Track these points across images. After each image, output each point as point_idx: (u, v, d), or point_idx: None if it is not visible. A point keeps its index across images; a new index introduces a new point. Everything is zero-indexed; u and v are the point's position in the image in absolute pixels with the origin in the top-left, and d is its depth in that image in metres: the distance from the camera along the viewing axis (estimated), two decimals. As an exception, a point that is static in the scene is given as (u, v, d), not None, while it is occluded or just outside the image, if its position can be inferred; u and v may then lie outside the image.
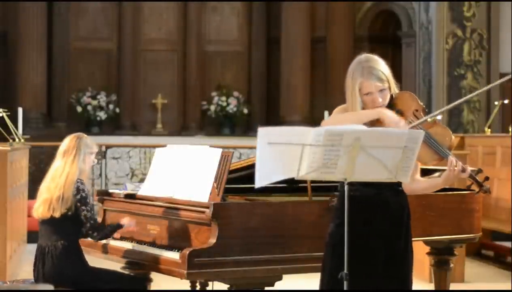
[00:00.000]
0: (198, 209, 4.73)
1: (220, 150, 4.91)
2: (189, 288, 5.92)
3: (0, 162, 7.14)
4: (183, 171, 5.04)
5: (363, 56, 4.20)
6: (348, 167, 3.78)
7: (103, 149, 12.48)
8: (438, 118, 4.21)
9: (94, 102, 15.54)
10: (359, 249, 4.03)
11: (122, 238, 5.20)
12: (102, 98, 15.61)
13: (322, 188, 5.08)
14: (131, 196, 5.31)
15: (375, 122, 4.13)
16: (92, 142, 5.26)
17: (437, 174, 6.07)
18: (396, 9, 15.17)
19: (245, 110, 15.96)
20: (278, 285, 4.79)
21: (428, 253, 5.84)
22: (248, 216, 4.68)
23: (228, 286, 4.70)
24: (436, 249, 5.78)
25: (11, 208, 7.40)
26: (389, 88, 4.19)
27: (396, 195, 4.14)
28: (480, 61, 14.08)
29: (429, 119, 4.16)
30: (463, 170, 4.06)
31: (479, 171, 4.20)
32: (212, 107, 15.91)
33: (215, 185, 4.81)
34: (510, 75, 4.23)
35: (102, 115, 15.56)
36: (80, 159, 5.14)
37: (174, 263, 4.64)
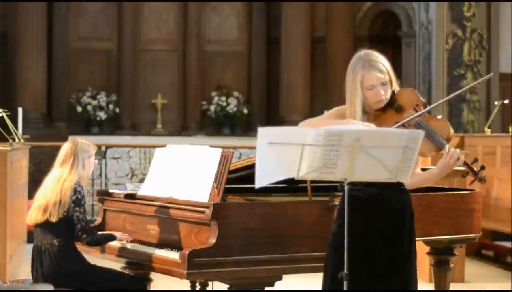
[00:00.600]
0: (198, 209, 4.73)
1: (220, 150, 4.91)
2: (189, 288, 5.92)
3: (0, 162, 7.14)
4: (183, 171, 5.04)
5: (363, 51, 4.21)
6: (348, 167, 3.78)
7: (103, 149, 12.47)
8: (438, 118, 4.22)
9: (94, 102, 15.54)
10: (362, 249, 4.03)
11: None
12: (102, 98, 15.60)
13: (322, 188, 5.08)
14: (131, 196, 5.31)
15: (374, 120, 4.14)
16: (88, 145, 5.24)
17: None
18: (396, 9, 15.16)
19: (245, 110, 15.96)
20: (278, 285, 4.78)
21: (428, 253, 5.84)
22: (248, 216, 4.68)
23: (228, 286, 4.70)
24: (436, 249, 5.78)
25: (11, 208, 7.40)
26: (390, 82, 4.19)
27: (398, 194, 4.13)
28: (480, 61, 14.08)
29: (426, 113, 4.16)
30: (458, 158, 4.06)
31: (475, 161, 4.20)
32: (212, 107, 15.91)
33: (215, 185, 4.81)
34: (491, 74, 4.25)
35: (102, 115, 15.56)
36: (79, 166, 5.13)
37: (174, 263, 4.64)
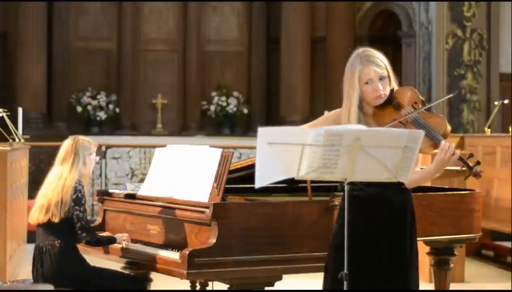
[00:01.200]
0: (198, 209, 4.73)
1: (220, 150, 4.91)
2: (189, 288, 5.92)
3: (0, 162, 7.14)
4: (183, 171, 5.04)
5: (360, 49, 4.23)
6: (348, 167, 3.78)
7: (103, 149, 12.47)
8: (436, 114, 4.23)
9: (94, 102, 15.54)
10: (363, 248, 4.03)
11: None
12: (102, 98, 15.60)
13: (322, 188, 5.08)
14: (131, 196, 5.30)
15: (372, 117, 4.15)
16: (89, 142, 5.23)
17: (437, 174, 6.08)
18: (396, 9, 15.16)
19: (245, 110, 15.96)
20: (278, 285, 4.79)
21: (428, 253, 5.84)
22: (248, 216, 4.68)
23: (228, 286, 4.70)
24: (436, 249, 5.78)
25: (11, 208, 7.40)
26: (389, 78, 4.19)
27: (399, 193, 4.13)
28: (480, 61, 14.08)
29: (423, 110, 4.17)
30: (454, 153, 4.06)
31: (471, 156, 4.20)
32: (212, 107, 15.91)
33: (215, 185, 4.81)
34: (456, 92, 4.28)
35: (102, 115, 15.56)
36: (80, 163, 5.12)
37: (174, 263, 4.64)
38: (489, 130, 10.77)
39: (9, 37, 15.18)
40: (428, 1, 14.17)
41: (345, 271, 3.89)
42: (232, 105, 15.84)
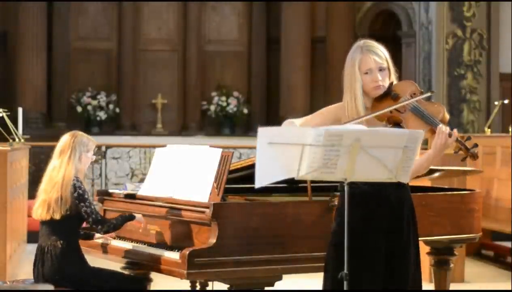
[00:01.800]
0: (198, 209, 4.73)
1: (220, 150, 4.91)
2: (189, 288, 5.92)
3: (0, 162, 7.14)
4: (183, 171, 5.04)
5: (361, 40, 4.24)
6: (348, 167, 3.78)
7: (103, 149, 12.47)
8: (434, 103, 4.24)
9: (94, 102, 15.54)
10: (361, 245, 4.02)
11: (121, 238, 5.20)
12: (102, 98, 15.61)
13: (322, 188, 5.08)
14: (131, 196, 5.30)
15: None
16: (88, 139, 5.23)
17: (437, 174, 6.09)
18: (396, 9, 15.17)
19: (245, 110, 15.96)
20: (278, 285, 4.79)
21: (428, 253, 5.85)
22: (248, 216, 4.68)
23: (228, 286, 4.70)
24: (436, 249, 5.78)
25: (11, 208, 7.40)
26: (389, 70, 4.20)
27: (397, 190, 4.12)
28: (480, 61, 14.09)
29: (421, 99, 4.18)
30: (450, 135, 4.05)
31: (468, 138, 4.20)
32: (212, 107, 15.91)
33: (215, 185, 4.81)
34: (434, 91, 4.29)
35: (102, 115, 15.56)
36: (76, 158, 5.11)
37: (174, 263, 4.64)
38: (489, 130, 10.77)
39: (9, 37, 15.19)
40: (428, 1, 14.17)
41: (345, 271, 3.89)
42: (232, 105, 15.84)
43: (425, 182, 6.38)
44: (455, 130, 4.08)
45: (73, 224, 5.06)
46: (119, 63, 15.96)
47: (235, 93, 15.94)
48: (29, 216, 8.65)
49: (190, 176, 4.97)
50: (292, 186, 5.46)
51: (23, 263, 8.39)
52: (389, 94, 4.20)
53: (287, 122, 4.32)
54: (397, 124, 4.16)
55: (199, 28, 16.17)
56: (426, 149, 7.98)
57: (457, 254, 5.82)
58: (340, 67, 4.32)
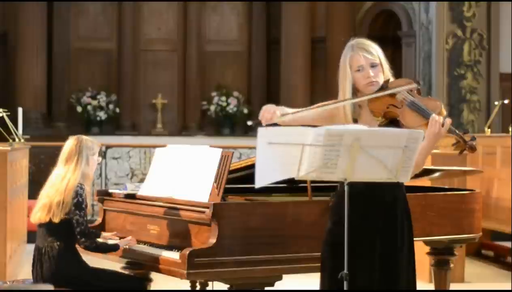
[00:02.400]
0: (198, 209, 4.73)
1: (220, 150, 4.91)
2: (189, 288, 5.92)
3: (0, 162, 7.14)
4: (183, 171, 5.04)
5: (353, 40, 4.26)
6: (348, 167, 3.78)
7: (103, 149, 12.47)
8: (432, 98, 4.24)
9: (94, 102, 15.54)
10: (357, 245, 4.01)
11: (121, 238, 5.19)
12: (102, 98, 15.60)
13: (322, 188, 5.08)
14: (131, 196, 5.31)
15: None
16: (92, 142, 5.23)
17: (437, 174, 6.09)
18: (396, 9, 15.16)
19: (245, 110, 15.96)
20: (278, 285, 4.79)
21: (428, 253, 5.84)
22: (248, 216, 4.68)
23: (228, 286, 4.70)
24: (436, 249, 5.78)
25: (11, 208, 7.39)
26: (382, 66, 4.19)
27: (391, 189, 4.10)
28: (480, 61, 14.08)
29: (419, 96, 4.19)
30: (443, 124, 4.04)
31: (466, 131, 4.21)
32: (212, 107, 15.91)
33: (215, 185, 4.81)
34: (419, 83, 4.28)
35: (102, 115, 15.56)
36: (83, 163, 5.11)
37: (174, 263, 4.64)
38: (489, 130, 10.77)
39: (9, 37, 15.18)
40: (428, 1, 14.17)
41: (345, 271, 3.89)
42: (232, 105, 15.84)
43: (425, 182, 6.38)
44: (447, 119, 4.06)
45: (70, 228, 5.04)
46: (119, 63, 15.95)
47: (235, 93, 15.94)
48: (29, 216, 8.66)
49: (190, 176, 4.97)
50: (292, 186, 5.46)
51: (23, 263, 8.39)
52: (385, 89, 4.20)
53: (280, 109, 4.24)
54: (393, 120, 4.16)
55: (199, 28, 16.16)
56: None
57: (457, 254, 5.82)
58: (340, 67, 4.32)
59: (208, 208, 4.63)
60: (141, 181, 7.37)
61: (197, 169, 4.95)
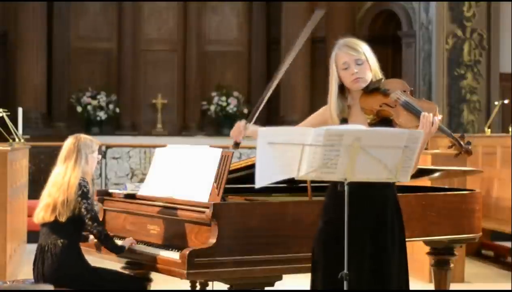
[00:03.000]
0: (198, 209, 4.73)
1: (220, 150, 4.91)
2: (189, 288, 5.92)
3: (0, 162, 7.14)
4: (183, 171, 5.04)
5: (342, 39, 4.28)
6: (348, 167, 3.78)
7: (103, 149, 12.47)
8: (438, 118, 4.23)
9: (94, 102, 15.54)
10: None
11: (121, 238, 5.19)
12: (102, 98, 15.61)
13: (322, 188, 5.07)
14: (131, 196, 5.31)
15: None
16: (92, 140, 5.24)
17: (437, 174, 6.09)
18: (396, 9, 15.16)
19: (245, 110, 15.96)
20: (278, 285, 4.79)
21: (428, 253, 5.84)
22: (248, 216, 4.68)
23: (228, 286, 4.70)
24: (436, 249, 5.78)
25: (11, 208, 7.39)
26: (368, 63, 4.19)
27: (381, 189, 4.10)
28: (480, 61, 14.08)
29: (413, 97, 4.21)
30: (433, 123, 4.03)
31: (462, 136, 4.21)
32: (212, 107, 15.91)
33: (215, 185, 4.81)
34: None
35: (102, 115, 15.56)
36: (82, 161, 5.12)
37: (174, 263, 4.64)
38: (489, 130, 10.77)
39: (9, 37, 15.19)
40: (428, 1, 14.17)
41: (345, 271, 3.89)
42: (232, 105, 15.84)
43: (425, 182, 6.38)
44: (436, 118, 4.06)
45: (76, 226, 5.06)
46: (119, 63, 15.96)
47: (235, 93, 15.94)
48: (29, 216, 8.66)
49: (190, 176, 4.97)
50: (292, 186, 5.46)
51: (23, 263, 8.39)
52: (379, 89, 4.21)
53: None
54: (384, 119, 4.15)
55: (199, 28, 16.17)
56: (426, 148, 7.99)
57: (457, 254, 5.81)
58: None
59: (208, 208, 4.63)
60: (141, 181, 7.38)
61: (197, 169, 4.95)
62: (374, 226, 4.09)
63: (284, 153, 3.76)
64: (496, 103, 11.36)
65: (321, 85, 15.34)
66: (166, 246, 4.88)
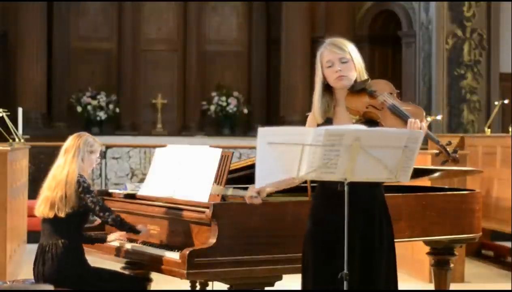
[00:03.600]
0: (198, 209, 4.73)
1: (220, 150, 4.91)
2: (189, 288, 5.92)
3: (0, 162, 7.14)
4: (183, 171, 5.04)
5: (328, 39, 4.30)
6: (348, 167, 3.78)
7: (103, 149, 12.47)
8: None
9: (94, 102, 15.54)
10: (336, 245, 3.99)
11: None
12: (102, 98, 15.60)
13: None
14: (131, 196, 5.31)
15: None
16: (94, 140, 5.24)
17: (437, 174, 6.09)
18: (396, 9, 15.16)
19: (245, 110, 15.96)
20: (278, 285, 4.79)
21: (428, 253, 5.84)
22: (248, 216, 4.68)
23: (228, 286, 4.70)
24: (436, 249, 5.78)
25: (11, 208, 7.39)
26: (353, 62, 4.18)
27: (369, 189, 4.10)
28: (480, 61, 14.08)
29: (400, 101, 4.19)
30: (420, 128, 4.02)
31: (449, 143, 4.20)
32: (212, 107, 15.91)
33: (215, 185, 4.81)
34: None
35: (102, 115, 15.56)
36: (79, 158, 5.13)
37: (174, 263, 4.64)
38: (489, 130, 10.77)
39: (9, 37, 15.18)
40: (428, 1, 14.17)
41: (345, 271, 3.88)
42: (232, 105, 15.84)
43: (425, 182, 6.38)
44: (423, 123, 4.05)
45: (76, 223, 5.06)
46: (119, 63, 15.95)
47: (235, 93, 15.94)
48: (29, 216, 8.66)
49: (190, 176, 4.97)
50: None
51: (23, 263, 8.39)
52: (366, 90, 4.19)
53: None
54: (370, 120, 4.13)
55: (199, 28, 16.16)
56: (426, 148, 8.00)
57: (457, 254, 5.82)
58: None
59: (208, 208, 4.63)
60: (141, 181, 7.38)
61: (197, 169, 4.95)
62: (362, 225, 4.08)
63: (284, 153, 3.76)
64: (496, 103, 11.35)
65: (321, 85, 15.35)
66: (166, 246, 4.88)
